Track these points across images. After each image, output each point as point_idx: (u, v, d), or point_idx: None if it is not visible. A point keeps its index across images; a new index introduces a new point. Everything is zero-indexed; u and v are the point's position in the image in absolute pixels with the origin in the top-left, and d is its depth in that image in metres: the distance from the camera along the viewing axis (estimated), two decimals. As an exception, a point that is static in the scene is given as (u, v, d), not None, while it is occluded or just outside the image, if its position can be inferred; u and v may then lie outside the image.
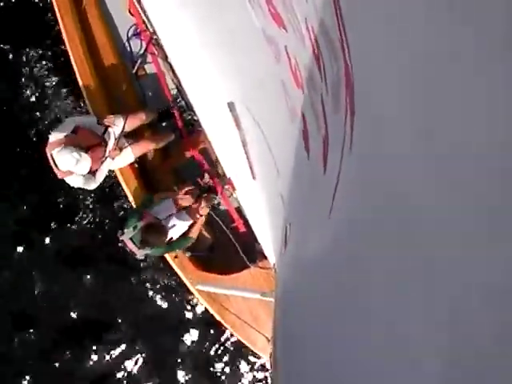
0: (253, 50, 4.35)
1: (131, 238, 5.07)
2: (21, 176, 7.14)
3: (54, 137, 5.03)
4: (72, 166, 4.98)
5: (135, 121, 5.52)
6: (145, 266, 7.07)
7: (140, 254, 5.13)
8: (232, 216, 5.57)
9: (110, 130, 5.29)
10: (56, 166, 5.01)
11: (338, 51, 1.78)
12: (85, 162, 5.02)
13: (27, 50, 7.12)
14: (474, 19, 0.80)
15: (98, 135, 5.19)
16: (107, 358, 7.30)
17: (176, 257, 5.52)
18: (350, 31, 1.57)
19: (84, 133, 5.13)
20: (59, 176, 5.11)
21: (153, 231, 5.07)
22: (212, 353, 7.25)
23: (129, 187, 5.54)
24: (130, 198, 5.58)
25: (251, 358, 7.15)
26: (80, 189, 5.39)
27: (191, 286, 5.52)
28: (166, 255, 5.56)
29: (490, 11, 0.77)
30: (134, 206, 5.53)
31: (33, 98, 7.16)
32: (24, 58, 7.14)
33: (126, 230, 5.09)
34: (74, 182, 5.17)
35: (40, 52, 7.10)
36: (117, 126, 5.33)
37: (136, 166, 5.66)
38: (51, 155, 4.99)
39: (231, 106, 4.84)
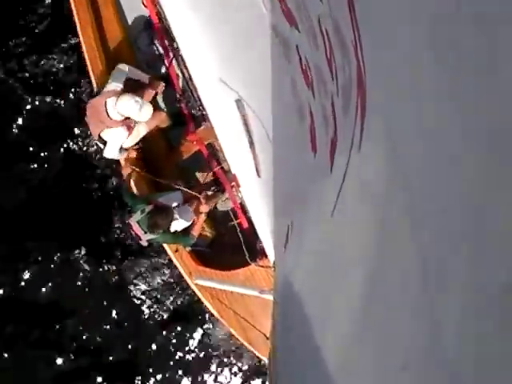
0: (263, 49, 4.36)
1: (138, 222, 5.11)
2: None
3: (112, 86, 5.12)
4: (136, 112, 5.07)
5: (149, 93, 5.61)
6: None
7: (144, 238, 5.15)
8: (236, 212, 5.57)
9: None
10: (107, 114, 5.06)
11: (350, 52, 1.79)
12: (147, 107, 5.14)
13: (41, 40, 7.15)
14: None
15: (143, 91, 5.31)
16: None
17: (176, 250, 5.53)
18: (364, 32, 1.58)
19: (134, 86, 5.25)
20: (106, 123, 5.15)
21: (160, 212, 5.06)
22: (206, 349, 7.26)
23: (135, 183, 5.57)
24: (133, 186, 5.60)
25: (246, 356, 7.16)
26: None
27: (190, 280, 5.53)
28: (167, 249, 5.58)
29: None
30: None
31: (44, 88, 7.18)
32: (37, 49, 7.17)
33: (133, 214, 5.13)
34: (116, 136, 5.26)
35: (53, 43, 7.13)
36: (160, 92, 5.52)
37: (141, 155, 5.68)
38: (104, 103, 5.05)
39: (239, 103, 4.85)
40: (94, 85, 5.62)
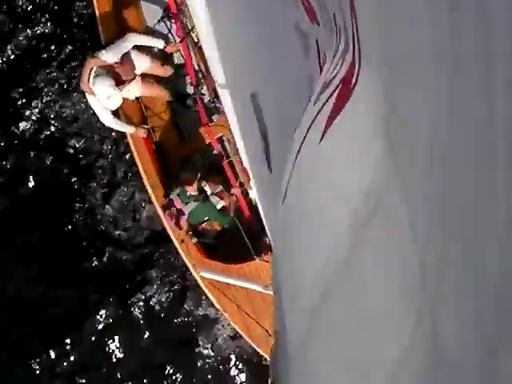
0: (281, 43, 4.34)
1: (178, 195, 5.28)
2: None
3: (106, 57, 5.15)
4: (103, 97, 5.14)
5: (159, 70, 5.61)
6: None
7: (186, 211, 5.27)
8: (243, 207, 5.57)
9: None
10: (89, 78, 5.10)
11: (350, 49, 1.81)
12: (115, 98, 5.22)
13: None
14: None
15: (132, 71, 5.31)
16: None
17: (182, 241, 5.54)
18: (361, 29, 1.59)
19: (128, 66, 5.27)
20: (83, 87, 5.21)
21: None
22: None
23: (144, 168, 5.59)
24: (145, 181, 5.63)
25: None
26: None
27: (194, 271, 5.54)
28: (174, 240, 5.59)
29: None
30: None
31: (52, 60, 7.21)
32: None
33: (170, 194, 5.33)
34: (93, 103, 5.31)
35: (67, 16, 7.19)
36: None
37: (154, 147, 5.70)
38: (91, 68, 5.09)
39: (254, 97, 4.83)
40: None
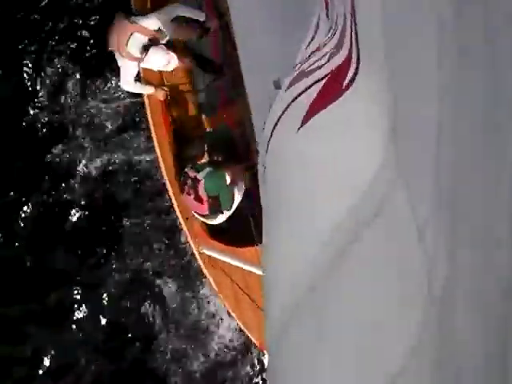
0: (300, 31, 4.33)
1: (191, 167, 5.32)
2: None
3: (147, 24, 5.22)
4: (162, 65, 5.39)
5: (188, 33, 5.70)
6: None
7: (201, 177, 5.24)
8: (254, 192, 5.55)
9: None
10: (127, 44, 5.16)
11: (346, 44, 1.80)
12: (174, 62, 5.44)
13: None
14: None
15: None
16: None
17: (187, 218, 5.55)
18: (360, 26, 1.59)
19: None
20: (118, 48, 5.23)
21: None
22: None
23: (160, 148, 5.64)
24: (159, 154, 5.64)
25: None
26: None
27: (195, 248, 5.55)
28: (179, 216, 5.61)
29: None
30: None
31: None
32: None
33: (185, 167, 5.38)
34: (127, 68, 5.39)
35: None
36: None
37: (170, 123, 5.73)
38: (131, 34, 5.13)
39: (276, 84, 4.82)
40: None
